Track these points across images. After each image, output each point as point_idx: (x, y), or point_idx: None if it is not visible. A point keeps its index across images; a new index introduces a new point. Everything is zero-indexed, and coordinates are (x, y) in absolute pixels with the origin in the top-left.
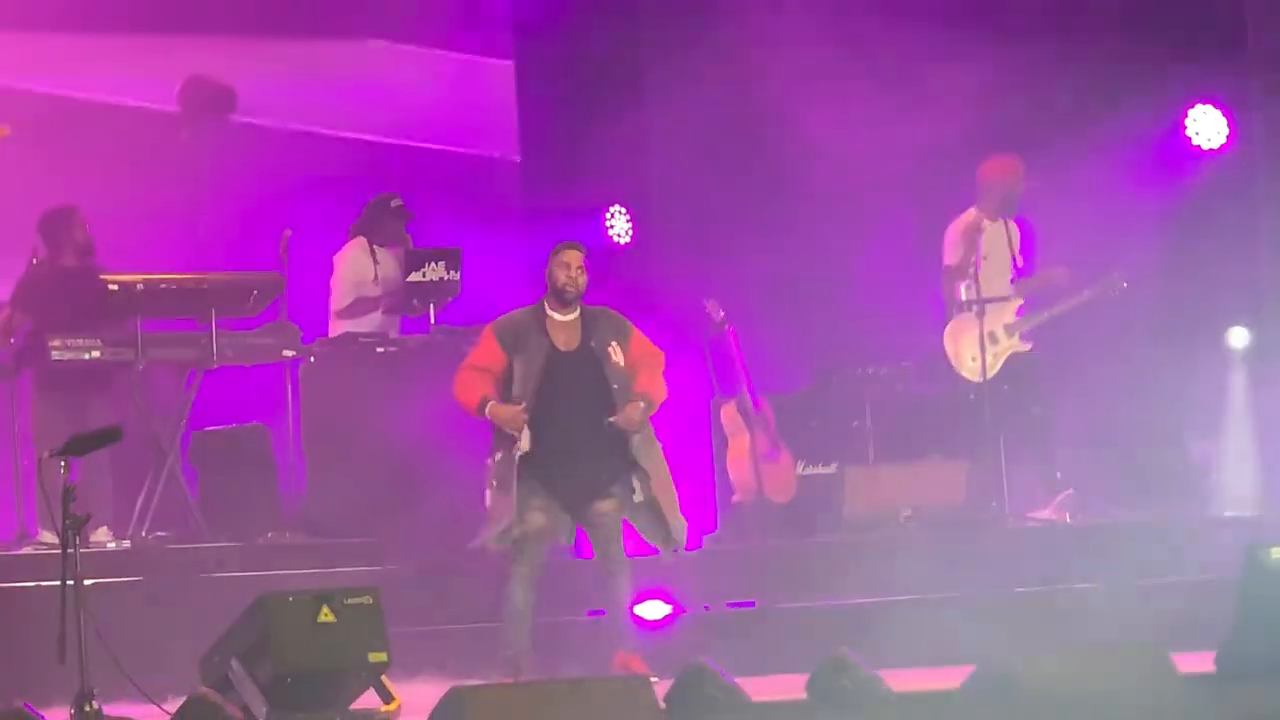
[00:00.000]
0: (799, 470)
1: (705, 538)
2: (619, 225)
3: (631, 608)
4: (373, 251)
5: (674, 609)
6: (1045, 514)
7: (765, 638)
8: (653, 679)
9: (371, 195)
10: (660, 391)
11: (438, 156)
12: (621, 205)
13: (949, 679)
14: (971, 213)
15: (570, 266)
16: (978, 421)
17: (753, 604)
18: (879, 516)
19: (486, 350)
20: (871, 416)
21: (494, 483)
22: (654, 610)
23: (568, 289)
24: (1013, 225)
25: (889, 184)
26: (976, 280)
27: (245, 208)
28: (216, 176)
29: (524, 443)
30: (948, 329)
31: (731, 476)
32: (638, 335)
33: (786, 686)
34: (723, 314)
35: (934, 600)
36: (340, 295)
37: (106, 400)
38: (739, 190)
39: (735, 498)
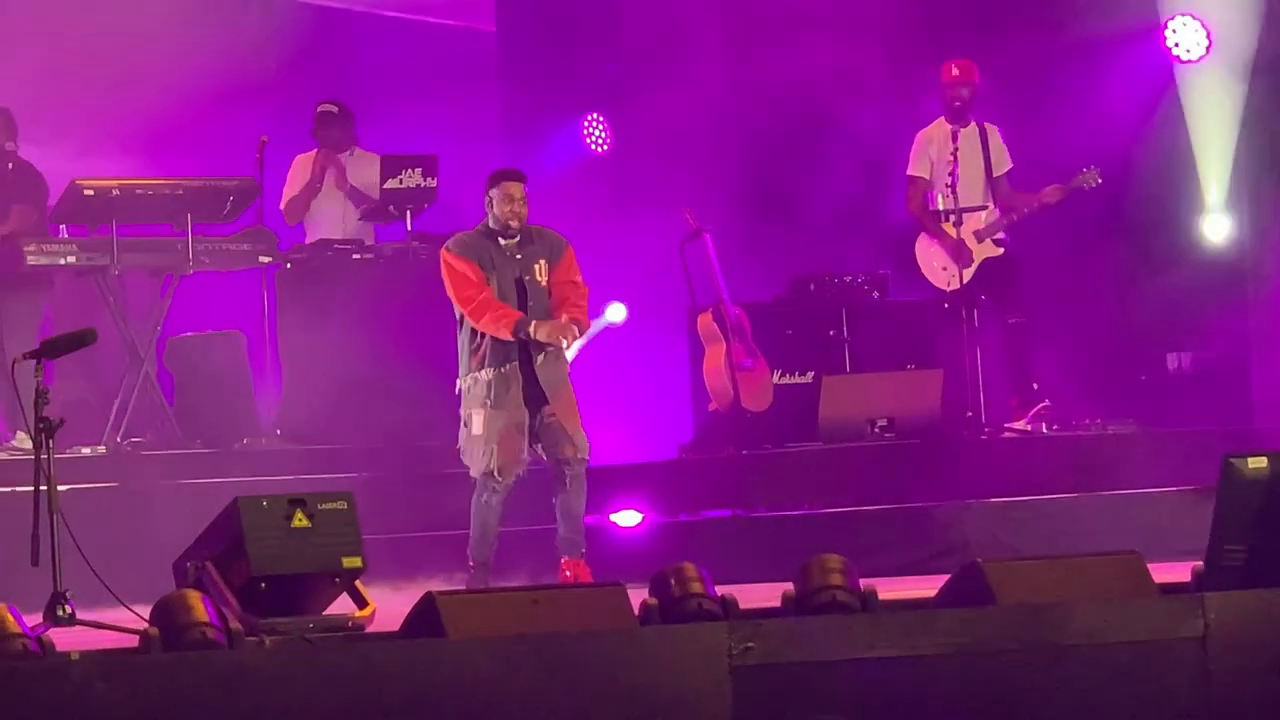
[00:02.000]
0: (775, 379)
1: (681, 447)
2: (597, 133)
3: (606, 516)
4: (318, 158)
5: (648, 516)
6: (1021, 424)
7: (742, 546)
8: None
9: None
10: (584, 323)
11: (413, 31)
12: (599, 113)
13: (924, 588)
14: (939, 123)
15: (514, 199)
16: (954, 331)
17: (729, 513)
18: (855, 426)
19: (472, 273)
20: (848, 325)
21: (469, 410)
22: (629, 518)
23: (511, 222)
24: (990, 130)
25: (864, 90)
26: (953, 190)
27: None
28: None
29: (570, 351)
30: (918, 239)
31: (708, 385)
32: (567, 260)
33: (765, 595)
34: (699, 222)
35: (909, 510)
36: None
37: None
38: (715, 99)
39: (711, 406)
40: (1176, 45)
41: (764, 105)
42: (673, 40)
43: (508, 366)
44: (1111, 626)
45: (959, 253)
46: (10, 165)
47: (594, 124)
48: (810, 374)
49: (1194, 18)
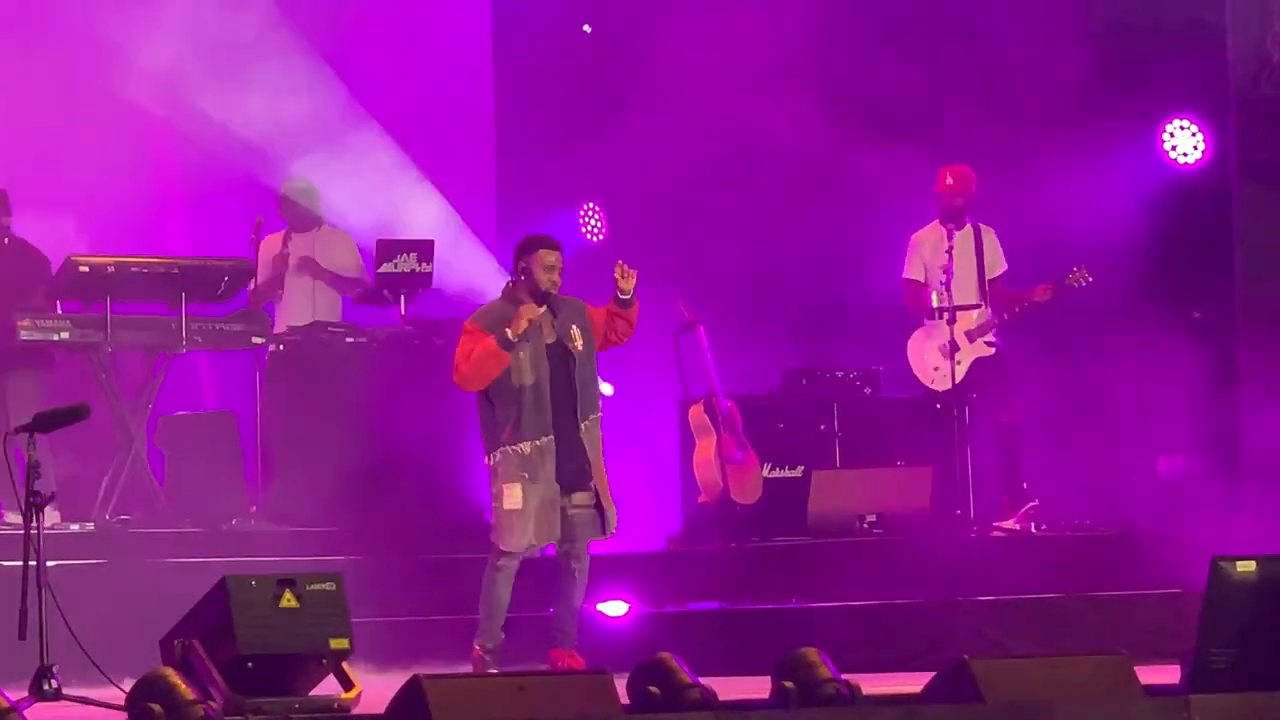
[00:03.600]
0: (765, 472)
1: (669, 538)
2: (593, 222)
3: (593, 605)
4: (286, 238)
5: (634, 607)
6: (1011, 524)
7: (728, 639)
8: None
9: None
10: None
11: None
12: (595, 203)
13: (912, 684)
14: (933, 225)
15: (554, 269)
16: (945, 428)
17: (715, 605)
18: (844, 521)
19: (474, 338)
20: (839, 420)
21: (503, 484)
22: (616, 608)
23: (551, 291)
24: (985, 231)
25: (859, 191)
26: (947, 289)
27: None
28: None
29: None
30: (910, 339)
31: (697, 477)
32: (591, 311)
33: (749, 687)
34: (693, 314)
35: (896, 606)
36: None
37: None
38: (712, 191)
39: (700, 499)
40: (1174, 149)
41: (760, 198)
42: (669, 130)
43: (543, 440)
44: None
45: (948, 353)
46: (6, 241)
47: (590, 213)
48: (800, 468)
49: (1191, 121)
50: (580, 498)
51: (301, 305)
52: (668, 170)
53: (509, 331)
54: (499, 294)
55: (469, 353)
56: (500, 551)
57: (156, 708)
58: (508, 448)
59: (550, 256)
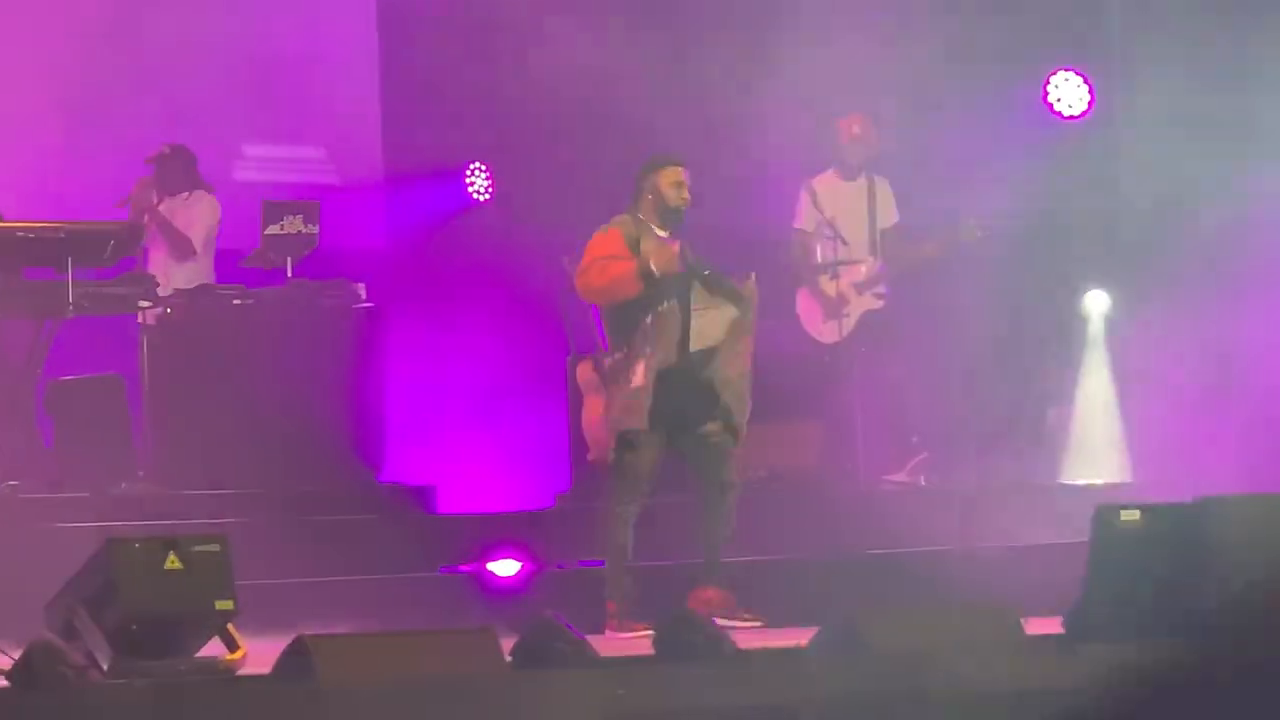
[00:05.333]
0: None
1: (559, 496)
2: (479, 183)
3: (483, 565)
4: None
5: (526, 565)
6: (900, 477)
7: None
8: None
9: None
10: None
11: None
12: (481, 162)
13: (797, 637)
14: (827, 175)
15: (682, 185)
16: (833, 382)
17: (604, 563)
18: None
19: (615, 246)
20: None
21: (617, 380)
22: (506, 567)
23: (681, 209)
24: (878, 182)
25: (748, 144)
26: (835, 241)
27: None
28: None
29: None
30: (799, 292)
31: (586, 435)
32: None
33: (636, 644)
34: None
35: (785, 561)
36: None
37: None
38: (597, 147)
39: (590, 456)
40: (1059, 100)
41: (649, 152)
42: (552, 89)
43: None
44: (982, 676)
45: (836, 306)
46: None
47: (476, 173)
48: None
49: (1076, 73)
50: (714, 425)
51: (159, 266)
52: (548, 126)
53: (653, 265)
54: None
55: (605, 267)
56: (616, 498)
57: (42, 674)
58: (618, 354)
59: (677, 172)
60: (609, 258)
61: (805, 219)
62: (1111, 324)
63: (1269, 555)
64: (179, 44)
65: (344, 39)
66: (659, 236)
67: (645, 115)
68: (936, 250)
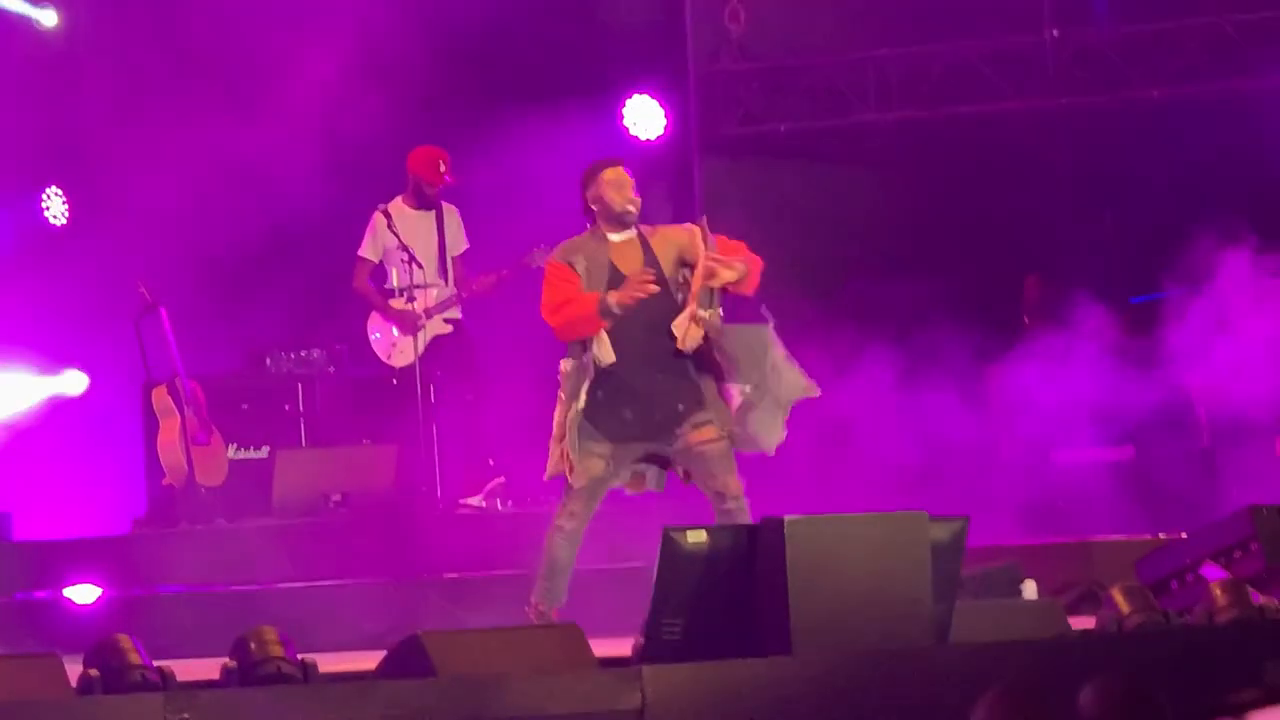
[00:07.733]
0: (230, 453)
1: (135, 521)
2: (55, 207)
3: (60, 591)
4: None
5: (105, 591)
6: (477, 500)
7: (195, 621)
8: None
9: None
10: (744, 261)
11: None
12: (58, 186)
13: (369, 661)
14: (396, 202)
15: (625, 186)
16: (409, 405)
17: (183, 588)
18: (310, 500)
19: (562, 283)
20: (304, 399)
21: (563, 395)
22: (85, 594)
23: (629, 211)
24: (448, 210)
25: (327, 172)
26: (410, 265)
27: None
28: None
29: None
30: (370, 317)
31: (162, 460)
32: (698, 240)
33: (212, 669)
34: (154, 296)
35: (361, 586)
36: None
37: None
38: (176, 171)
39: (165, 481)
40: (634, 124)
41: (226, 179)
42: (133, 109)
43: None
44: (550, 698)
45: (408, 325)
46: None
47: (52, 197)
48: (266, 448)
49: (651, 96)
50: (702, 430)
51: None
52: (133, 150)
53: (613, 302)
54: None
55: (560, 305)
56: (560, 510)
57: None
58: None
59: (616, 173)
60: (564, 301)
61: (369, 248)
62: None
63: (835, 575)
64: None
65: None
66: (618, 243)
67: (223, 139)
68: (498, 277)
